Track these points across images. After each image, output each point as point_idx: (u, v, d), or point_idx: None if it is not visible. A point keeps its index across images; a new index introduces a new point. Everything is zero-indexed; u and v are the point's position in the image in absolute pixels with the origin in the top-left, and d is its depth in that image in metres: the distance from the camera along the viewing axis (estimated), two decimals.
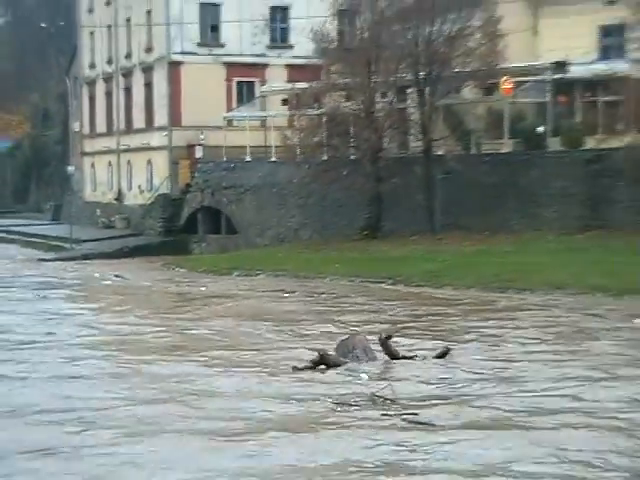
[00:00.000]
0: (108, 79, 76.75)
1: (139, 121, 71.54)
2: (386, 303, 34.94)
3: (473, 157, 51.30)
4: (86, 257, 58.28)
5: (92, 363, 23.68)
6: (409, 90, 52.00)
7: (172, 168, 66.31)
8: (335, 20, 55.46)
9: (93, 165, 79.51)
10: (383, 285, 40.90)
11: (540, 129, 50.80)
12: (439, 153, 50.62)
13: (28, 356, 24.77)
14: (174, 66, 66.32)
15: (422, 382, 20.42)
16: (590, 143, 48.65)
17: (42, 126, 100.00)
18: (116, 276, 47.93)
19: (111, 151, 75.63)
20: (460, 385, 20.41)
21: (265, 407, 18.56)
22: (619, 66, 48.18)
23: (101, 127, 78.38)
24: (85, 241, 63.37)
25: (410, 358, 22.26)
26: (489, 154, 51.38)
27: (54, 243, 64.89)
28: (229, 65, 66.62)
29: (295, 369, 21.20)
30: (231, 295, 39.38)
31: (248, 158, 60.48)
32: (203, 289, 42.08)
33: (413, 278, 40.88)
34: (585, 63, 51.96)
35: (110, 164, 75.91)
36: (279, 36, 68.08)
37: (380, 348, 22.28)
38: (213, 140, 62.73)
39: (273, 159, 59.21)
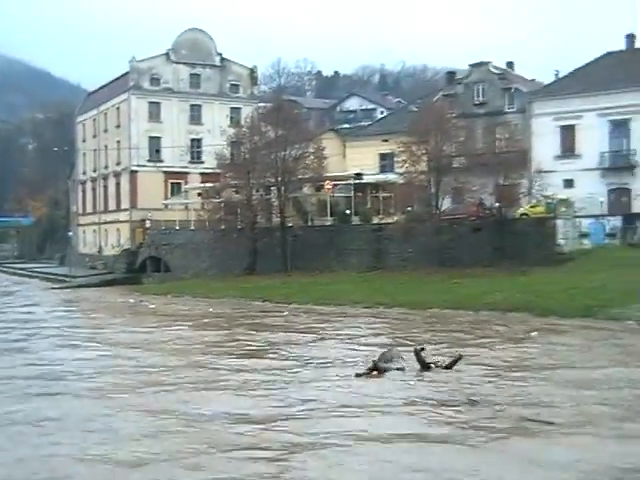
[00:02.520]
0: (94, 181, 75.02)
1: (112, 205, 70.12)
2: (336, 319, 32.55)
3: (309, 227, 51.44)
4: (80, 286, 56.86)
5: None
6: (272, 188, 51.67)
7: (132, 233, 65.02)
8: (229, 147, 54.91)
9: (84, 231, 77.38)
10: (258, 303, 40.10)
11: (347, 211, 51.33)
12: (290, 225, 50.53)
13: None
14: (133, 173, 65.41)
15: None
16: (375, 220, 49.35)
17: (54, 208, 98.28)
18: (140, 301, 44.13)
19: (95, 223, 73.83)
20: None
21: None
22: (390, 176, 49.38)
23: (89, 209, 76.47)
24: (79, 277, 61.97)
25: (435, 364, 18.72)
26: (319, 226, 51.60)
27: (60, 278, 63.23)
28: (166, 173, 65.63)
29: (357, 375, 18.00)
30: (244, 315, 35.08)
31: (177, 227, 59.67)
32: (211, 310, 37.74)
33: (274, 298, 40.61)
34: (372, 174, 53.46)
35: (94, 231, 74.09)
36: (196, 156, 67.04)
37: (413, 357, 19.01)
38: (156, 216, 61.86)
39: (192, 228, 58.34)
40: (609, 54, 51.28)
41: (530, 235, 41.43)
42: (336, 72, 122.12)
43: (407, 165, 44.41)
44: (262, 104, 63.48)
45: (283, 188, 50.29)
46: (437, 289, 36.96)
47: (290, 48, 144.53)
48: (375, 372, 18.04)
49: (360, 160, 54.76)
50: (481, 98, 53.65)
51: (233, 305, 39.62)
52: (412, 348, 19.45)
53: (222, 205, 53.75)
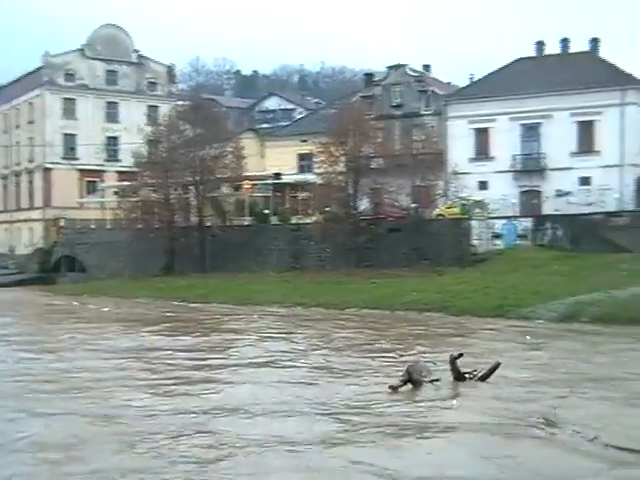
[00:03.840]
0: (5, 178, 72.55)
1: (25, 203, 68.08)
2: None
3: (228, 227, 50.81)
4: None
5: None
6: (190, 187, 51.09)
7: (45, 232, 63.40)
8: (146, 146, 53.98)
9: None
10: (175, 303, 39.31)
11: (266, 211, 51.19)
12: (208, 224, 50.06)
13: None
14: (47, 171, 63.93)
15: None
16: (294, 220, 49.28)
17: None
18: (82, 303, 41.42)
19: (7, 221, 71.13)
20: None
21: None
22: (309, 177, 49.55)
23: (0, 206, 73.91)
24: None
25: (470, 373, 16.50)
26: (237, 225, 51.13)
27: None
28: (81, 170, 64.26)
29: (392, 388, 15.87)
30: (213, 319, 32.57)
31: (93, 226, 58.44)
32: (169, 314, 34.98)
33: (191, 298, 39.92)
34: (291, 174, 53.42)
35: (6, 229, 71.43)
36: (112, 154, 65.89)
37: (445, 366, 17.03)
38: (71, 215, 60.66)
39: (108, 227, 57.19)
40: (520, 60, 52.65)
41: (446, 236, 42.16)
42: (255, 71, 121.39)
43: (325, 166, 44.63)
44: (180, 102, 62.76)
45: (201, 187, 49.84)
46: (355, 289, 37.12)
47: (209, 46, 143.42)
48: (409, 385, 16.10)
49: (279, 160, 54.70)
50: (398, 100, 54.29)
51: (180, 308, 37.80)
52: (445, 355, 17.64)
53: (139, 204, 52.81)
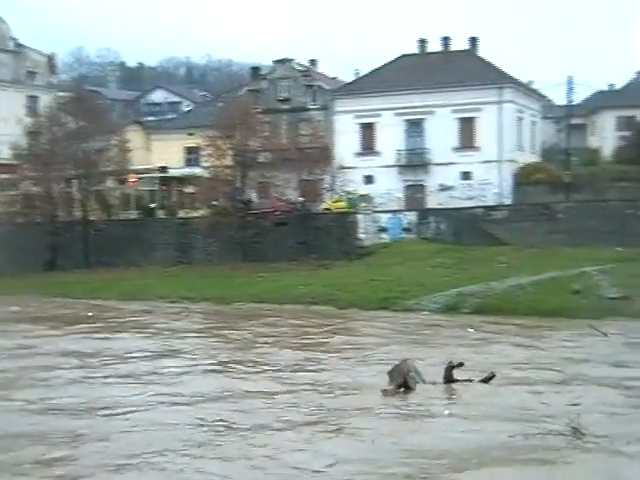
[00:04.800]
0: None
1: None
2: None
3: (113, 221, 49.61)
4: None
5: None
6: (73, 180, 49.63)
7: None
8: (26, 137, 51.73)
9: None
10: (57, 299, 37.86)
11: (152, 205, 50.37)
12: (92, 219, 48.79)
13: None
14: None
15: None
16: (181, 214, 48.79)
17: None
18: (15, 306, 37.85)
19: None
20: None
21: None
22: (196, 170, 49.02)
23: None
24: None
25: (466, 381, 15.51)
26: (123, 219, 49.92)
27: None
28: None
29: (385, 392, 15.01)
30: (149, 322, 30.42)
31: None
32: (90, 313, 32.60)
33: (77, 294, 38.71)
34: (177, 168, 52.49)
35: None
36: None
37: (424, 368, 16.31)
38: None
39: None
40: (404, 57, 53.50)
41: (332, 230, 42.52)
42: (140, 63, 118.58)
43: (213, 159, 44.37)
44: (62, 93, 60.47)
45: (85, 181, 48.66)
46: (242, 283, 37.02)
47: (92, 36, 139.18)
48: (402, 389, 15.13)
49: (166, 154, 53.62)
50: (285, 94, 54.17)
51: (95, 307, 35.54)
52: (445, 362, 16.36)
53: (19, 198, 50.93)
